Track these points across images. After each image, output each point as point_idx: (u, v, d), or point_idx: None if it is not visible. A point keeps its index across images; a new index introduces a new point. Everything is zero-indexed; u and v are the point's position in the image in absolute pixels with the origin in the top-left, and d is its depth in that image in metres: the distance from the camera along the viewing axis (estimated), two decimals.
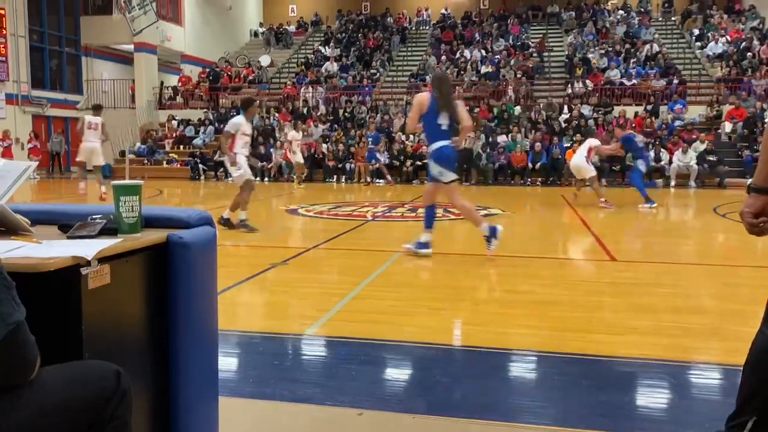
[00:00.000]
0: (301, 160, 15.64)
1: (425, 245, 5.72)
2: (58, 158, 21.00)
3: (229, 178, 8.10)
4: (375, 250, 6.25)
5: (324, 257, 5.99)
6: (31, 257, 1.41)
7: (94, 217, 1.86)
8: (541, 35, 24.56)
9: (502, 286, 4.80)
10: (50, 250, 1.51)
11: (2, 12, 19.04)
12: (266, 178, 17.69)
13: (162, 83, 23.27)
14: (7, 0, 19.25)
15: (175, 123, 21.14)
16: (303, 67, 23.79)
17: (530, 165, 16.72)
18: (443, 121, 5.51)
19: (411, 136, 17.93)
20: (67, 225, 1.79)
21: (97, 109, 11.54)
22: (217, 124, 20.60)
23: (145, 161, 19.60)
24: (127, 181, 1.78)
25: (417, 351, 3.24)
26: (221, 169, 18.37)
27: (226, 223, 7.39)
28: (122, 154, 20.31)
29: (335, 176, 17.68)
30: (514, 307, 4.08)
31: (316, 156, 18.08)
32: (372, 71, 23.14)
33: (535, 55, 22.53)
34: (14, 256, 1.42)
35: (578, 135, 17.24)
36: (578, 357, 3.11)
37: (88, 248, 1.50)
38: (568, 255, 6.42)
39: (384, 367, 3.07)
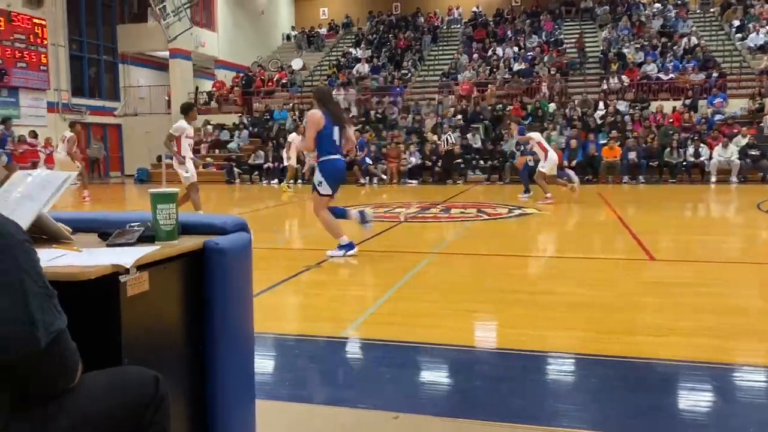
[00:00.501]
0: (295, 163, 15.55)
1: (349, 246, 5.81)
2: (97, 164, 21.52)
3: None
4: (408, 252, 6.24)
5: (357, 260, 6.01)
6: (72, 266, 1.45)
7: (132, 224, 1.89)
8: (574, 31, 24.25)
9: (537, 287, 4.74)
10: (90, 258, 1.54)
11: (43, 22, 19.60)
12: (299, 181, 17.83)
13: (197, 88, 23.65)
14: (48, 11, 19.80)
15: (210, 127, 21.47)
16: (334, 69, 23.92)
17: (565, 162, 16.48)
18: (336, 135, 5.70)
19: (443, 136, 17.88)
20: (107, 233, 1.83)
21: (71, 125, 13.19)
22: (251, 128, 20.89)
23: None
24: (163, 190, 1.81)
25: (453, 354, 3.22)
26: (255, 173, 18.61)
27: None
28: (159, 159, 20.68)
29: (367, 177, 17.71)
30: (550, 309, 4.02)
31: (347, 158, 18.13)
32: (403, 71, 23.14)
33: (571, 51, 22.24)
34: (56, 264, 1.46)
35: (614, 131, 16.97)
36: (618, 359, 3.06)
37: (127, 256, 1.53)
38: (605, 254, 6.31)
39: (419, 370, 3.06)
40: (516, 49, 22.94)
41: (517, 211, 9.52)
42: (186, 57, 22.90)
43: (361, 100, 21.56)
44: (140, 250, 1.64)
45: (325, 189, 5.75)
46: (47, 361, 1.12)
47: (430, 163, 17.49)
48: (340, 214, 5.95)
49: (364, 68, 23.48)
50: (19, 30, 18.71)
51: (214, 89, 24.05)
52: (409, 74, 23.11)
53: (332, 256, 5.74)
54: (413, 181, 17.35)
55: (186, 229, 1.91)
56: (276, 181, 17.33)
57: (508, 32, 24.42)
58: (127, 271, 1.49)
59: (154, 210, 1.79)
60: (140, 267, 1.55)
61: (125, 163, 23.11)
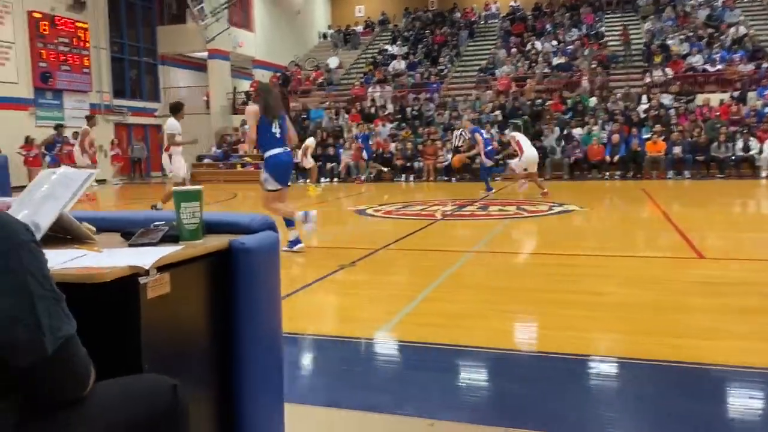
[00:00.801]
0: (312, 163, 15.49)
1: (296, 242, 5.90)
2: (139, 164, 21.95)
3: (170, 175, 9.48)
4: (444, 251, 6.11)
5: (392, 258, 5.92)
6: (88, 267, 1.39)
7: (156, 223, 1.84)
8: (615, 23, 23.67)
9: (580, 287, 4.57)
10: (109, 259, 1.49)
11: (86, 26, 20.04)
12: (335, 179, 17.84)
13: (234, 89, 23.90)
14: (90, 14, 20.24)
15: (247, 127, 21.65)
16: (370, 66, 23.88)
17: (608, 158, 16.10)
18: (276, 129, 5.74)
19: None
20: (130, 232, 1.78)
21: (88, 119, 13.65)
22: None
23: (220, 165, 20.17)
24: (186, 188, 1.75)
25: (491, 357, 3.10)
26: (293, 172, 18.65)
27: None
28: (199, 159, 20.99)
29: (403, 175, 17.62)
30: (594, 310, 3.86)
31: (384, 155, 18.09)
32: (440, 67, 22.96)
33: (612, 44, 21.72)
34: (73, 266, 1.40)
35: (658, 126, 16.49)
36: (666, 364, 2.89)
37: (147, 257, 1.47)
38: (651, 252, 6.08)
39: (457, 374, 2.95)
40: (555, 42, 22.52)
41: (558, 209, 9.29)
42: (224, 57, 23.16)
43: (398, 97, 21.47)
44: (162, 250, 1.58)
45: (271, 185, 5.82)
46: (55, 367, 1.05)
47: (468, 160, 17.25)
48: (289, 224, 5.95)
49: (400, 65, 23.38)
50: (62, 34, 19.17)
51: (252, 89, 24.25)
52: (446, 70, 22.92)
53: (305, 224, 5.82)
54: (450, 179, 17.17)
55: (211, 228, 1.85)
56: (303, 180, 17.17)
57: (547, 26, 23.99)
58: (146, 272, 1.43)
59: (178, 208, 1.73)
60: (162, 268, 1.48)
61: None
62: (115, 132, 21.39)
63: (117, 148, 20.62)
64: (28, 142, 16.71)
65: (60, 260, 1.47)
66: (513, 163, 11.48)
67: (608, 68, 20.44)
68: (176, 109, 8.86)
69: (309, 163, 15.09)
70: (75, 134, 17.50)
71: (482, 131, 12.84)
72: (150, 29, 23.48)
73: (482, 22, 26.80)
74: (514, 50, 22.50)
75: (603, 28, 23.39)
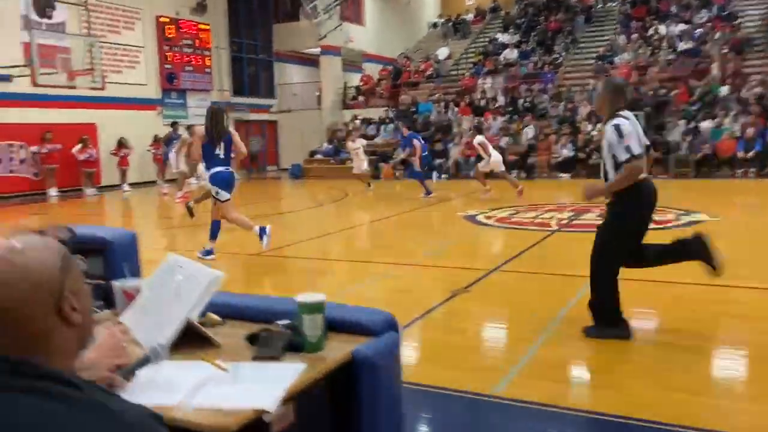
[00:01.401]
0: (366, 167, 14.89)
1: (210, 252, 6.69)
2: (256, 158, 22.85)
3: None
4: (564, 275, 5.79)
5: (508, 282, 5.70)
6: (213, 409, 1.35)
7: (280, 324, 1.79)
8: (751, 2, 21.62)
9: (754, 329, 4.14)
10: (233, 390, 1.44)
11: (207, 27, 20.98)
12: (443, 175, 17.64)
13: (345, 83, 24.22)
14: (211, 16, 21.17)
15: (357, 122, 21.89)
16: (481, 56, 23.36)
17: (740, 154, 14.79)
18: (219, 150, 6.57)
19: (599, 125, 16.78)
20: (254, 335, 1.74)
21: (188, 128, 14.19)
22: (396, 122, 20.95)
23: (331, 161, 20.55)
24: (311, 299, 1.69)
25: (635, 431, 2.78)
26: (401, 168, 18.65)
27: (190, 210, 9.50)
28: (311, 154, 21.51)
29: (514, 171, 17.09)
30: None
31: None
32: (554, 56, 22.04)
33: (748, 26, 19.88)
34: (200, 405, 1.37)
35: None
36: None
37: (272, 390, 1.42)
38: None
39: None
40: (682, 26, 20.93)
41: (685, 218, 8.61)
42: (335, 53, 23.49)
43: (509, 88, 20.86)
44: (285, 373, 1.52)
45: (223, 195, 6.69)
46: None
47: (583, 156, 16.51)
48: (216, 228, 6.84)
49: (512, 54, 22.67)
50: (186, 36, 20.21)
51: (362, 83, 24.50)
52: (561, 59, 21.96)
53: (261, 239, 6.88)
54: (565, 175, 16.50)
55: (331, 324, 1.78)
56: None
57: (672, 7, 22.32)
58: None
59: (301, 319, 1.68)
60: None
61: (281, 157, 24.28)
62: (235, 128, 22.31)
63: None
64: (156, 140, 17.80)
65: (185, 383, 1.45)
66: (481, 165, 12.18)
67: (742, 53, 18.73)
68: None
69: (364, 166, 14.62)
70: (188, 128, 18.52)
71: (419, 136, 13.86)
72: (266, 28, 24.23)
73: (600, 6, 25.37)
74: (635, 35, 21.16)
75: (736, 8, 21.45)
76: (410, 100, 22.06)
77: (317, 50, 23.48)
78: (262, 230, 6.95)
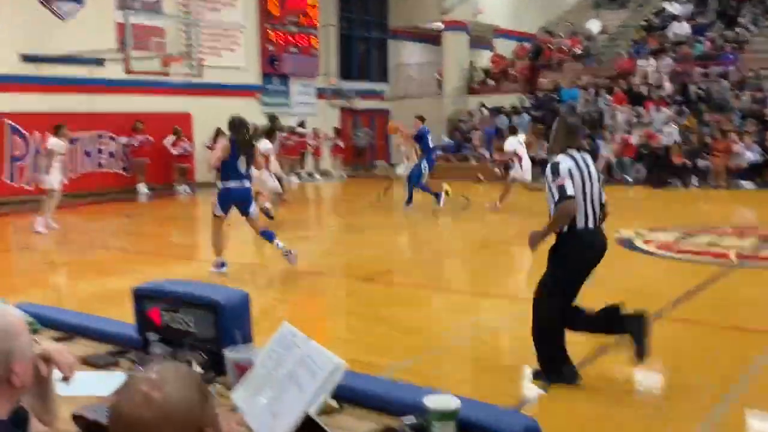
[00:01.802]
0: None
1: (288, 252, 7.62)
2: (362, 153, 23.36)
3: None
4: (745, 330, 5.51)
5: (671, 339, 5.42)
6: None
7: (405, 420, 1.88)
8: None
9: None
10: None
11: (315, 1, 21.55)
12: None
13: (471, 63, 24.15)
14: None
15: (485, 111, 21.81)
16: (643, 32, 22.60)
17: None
18: (241, 164, 7.39)
19: None
20: None
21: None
22: (532, 112, 20.61)
23: (450, 158, 20.54)
24: (442, 407, 1.77)
25: None
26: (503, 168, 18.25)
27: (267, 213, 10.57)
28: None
29: (682, 179, 16.34)
30: None
31: (656, 151, 17.03)
32: (738, 31, 20.89)
33: None
34: None
35: None
36: None
37: None
38: None
39: None
40: None
41: None
42: (462, 29, 23.52)
43: (679, 72, 20.01)
44: None
45: (217, 210, 7.51)
46: None
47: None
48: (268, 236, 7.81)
49: (683, 28, 21.74)
50: (291, 12, 20.95)
51: (492, 65, 24.37)
52: (747, 35, 20.78)
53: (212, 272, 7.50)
54: (748, 183, 15.65)
55: (462, 425, 1.85)
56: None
57: None
58: None
59: (431, 425, 1.77)
60: None
61: (392, 152, 24.64)
62: (340, 119, 22.91)
63: (339, 139, 21.86)
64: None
65: None
66: (514, 171, 12.83)
67: None
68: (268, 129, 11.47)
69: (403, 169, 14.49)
70: (301, 123, 19.00)
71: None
72: (381, 0, 24.68)
73: None
74: None
75: None
76: (551, 85, 21.67)
77: (439, 26, 23.62)
78: (221, 264, 7.59)
